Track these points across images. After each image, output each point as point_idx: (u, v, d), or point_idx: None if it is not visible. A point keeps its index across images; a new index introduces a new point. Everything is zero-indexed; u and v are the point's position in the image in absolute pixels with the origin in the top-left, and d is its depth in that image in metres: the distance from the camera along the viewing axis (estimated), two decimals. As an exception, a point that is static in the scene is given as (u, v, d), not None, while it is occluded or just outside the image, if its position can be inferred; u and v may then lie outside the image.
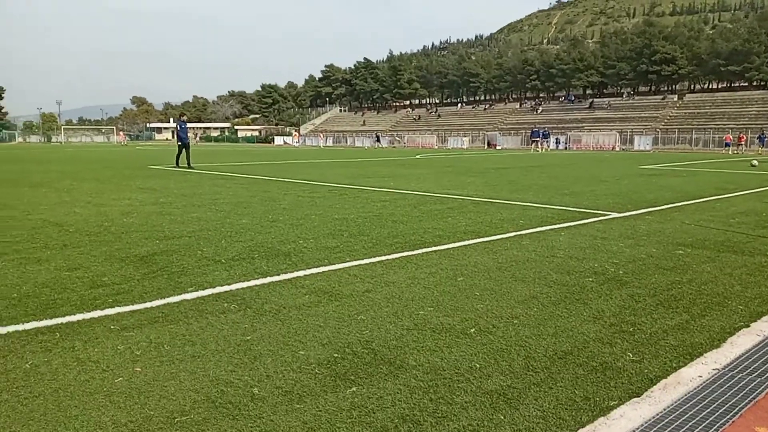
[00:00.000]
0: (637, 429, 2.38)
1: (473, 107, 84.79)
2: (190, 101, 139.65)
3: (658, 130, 56.74)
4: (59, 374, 2.86)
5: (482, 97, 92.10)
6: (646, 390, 2.73)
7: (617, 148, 51.43)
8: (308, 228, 7.10)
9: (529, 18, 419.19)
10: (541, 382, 2.80)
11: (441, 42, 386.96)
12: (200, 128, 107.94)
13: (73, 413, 2.48)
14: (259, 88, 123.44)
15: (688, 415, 2.49)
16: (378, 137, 67.97)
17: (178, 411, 2.50)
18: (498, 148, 58.05)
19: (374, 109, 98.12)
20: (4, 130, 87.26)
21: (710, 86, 74.89)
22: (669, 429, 2.38)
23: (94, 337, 3.35)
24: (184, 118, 21.93)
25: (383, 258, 5.44)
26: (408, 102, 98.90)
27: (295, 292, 4.29)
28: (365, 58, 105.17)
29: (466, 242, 6.23)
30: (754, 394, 2.70)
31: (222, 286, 4.44)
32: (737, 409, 2.55)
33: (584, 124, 63.38)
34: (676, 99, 65.22)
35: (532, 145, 48.67)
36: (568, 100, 75.13)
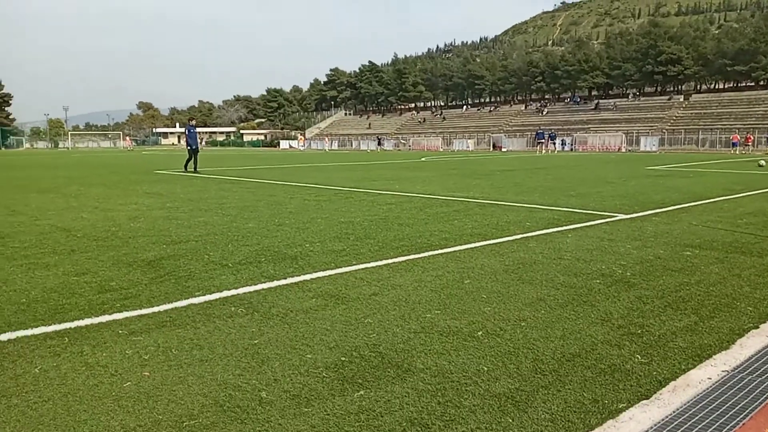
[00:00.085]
0: (647, 432, 2.37)
1: (478, 109, 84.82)
2: (196, 106, 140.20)
3: (664, 130, 56.54)
4: (68, 379, 2.87)
5: (487, 99, 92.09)
6: (655, 392, 2.72)
7: (623, 149, 51.28)
8: (314, 231, 7.10)
9: (534, 20, 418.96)
10: (550, 385, 2.79)
11: (446, 44, 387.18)
12: (206, 132, 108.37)
13: (82, 417, 2.48)
14: (265, 93, 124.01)
15: (697, 418, 2.48)
16: (379, 140, 68.03)
17: (187, 415, 2.51)
18: (503, 150, 57.99)
19: (379, 112, 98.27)
20: (11, 137, 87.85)
21: (716, 86, 74.64)
22: None
23: (102, 342, 3.36)
24: (193, 122, 21.81)
25: (390, 261, 5.44)
26: (413, 105, 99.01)
27: (302, 296, 4.29)
28: (370, 62, 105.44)
29: (473, 245, 6.22)
30: (765, 396, 2.68)
31: (229, 290, 4.45)
32: (747, 411, 2.53)
33: (590, 126, 63.27)
34: (682, 99, 65.03)
35: (538, 147, 48.60)
36: (573, 102, 75.04)
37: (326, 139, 77.80)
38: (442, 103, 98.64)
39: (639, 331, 3.53)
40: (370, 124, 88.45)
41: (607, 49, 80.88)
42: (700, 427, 2.40)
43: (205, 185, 14.40)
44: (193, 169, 19.94)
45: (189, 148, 20.46)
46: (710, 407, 2.57)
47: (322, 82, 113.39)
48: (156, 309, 3.97)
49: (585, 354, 3.18)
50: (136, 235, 6.92)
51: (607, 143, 53.88)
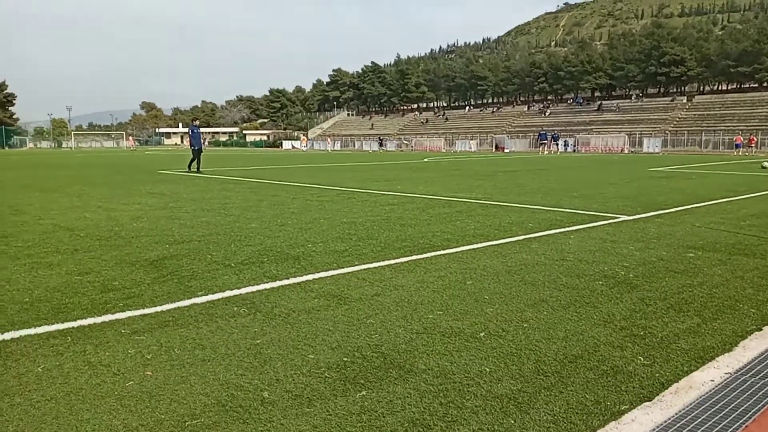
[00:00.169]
0: (649, 433, 2.36)
1: (481, 110, 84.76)
2: (199, 106, 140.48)
3: (667, 132, 56.46)
4: (71, 378, 2.88)
5: (490, 100, 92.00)
6: (658, 394, 2.71)
7: (626, 151, 51.21)
8: (317, 232, 7.11)
9: (537, 20, 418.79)
10: (552, 387, 2.79)
11: (448, 45, 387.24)
12: (209, 133, 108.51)
13: (84, 417, 2.49)
14: (268, 93, 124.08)
15: (700, 420, 2.47)
16: (381, 141, 68.02)
17: (189, 415, 2.51)
18: (506, 151, 57.96)
19: (382, 112, 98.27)
20: (15, 136, 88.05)
21: (720, 88, 74.50)
22: (681, 433, 2.37)
23: (105, 341, 3.37)
24: (197, 122, 21.87)
25: (392, 261, 5.44)
26: (416, 105, 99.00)
27: (304, 296, 4.30)
28: (373, 62, 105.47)
29: (475, 245, 6.21)
30: (768, 398, 2.67)
31: (232, 290, 4.45)
32: (750, 413, 2.53)
33: (592, 127, 63.19)
34: (685, 101, 64.91)
35: (540, 148, 48.55)
36: (576, 103, 74.96)
37: (329, 139, 77.84)
38: (445, 104, 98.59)
39: (641, 333, 3.53)
40: (372, 125, 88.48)
41: (610, 50, 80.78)
42: (702, 429, 2.40)
43: (207, 185, 14.41)
44: (196, 170, 19.98)
45: (193, 148, 20.50)
46: (713, 409, 2.56)
47: (325, 83, 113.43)
48: (159, 309, 3.98)
49: (587, 355, 3.17)
50: (139, 234, 6.93)
51: (610, 144, 53.82)
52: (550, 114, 72.88)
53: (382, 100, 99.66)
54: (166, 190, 13.14)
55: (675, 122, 59.63)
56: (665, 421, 2.46)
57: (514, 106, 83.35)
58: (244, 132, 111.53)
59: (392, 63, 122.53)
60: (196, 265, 5.30)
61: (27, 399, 2.65)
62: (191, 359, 3.11)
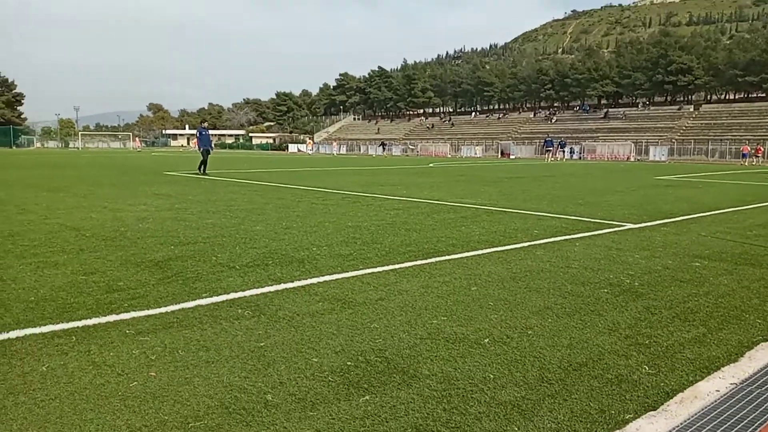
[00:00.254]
0: (654, 443, 2.35)
1: (487, 116, 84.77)
2: (206, 108, 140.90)
3: (673, 140, 56.31)
4: (75, 377, 2.88)
5: (496, 106, 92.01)
6: (663, 404, 2.70)
7: (632, 159, 51.09)
8: (322, 235, 7.11)
9: (544, 27, 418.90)
10: (556, 394, 2.78)
11: (455, 51, 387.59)
12: (215, 135, 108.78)
13: (88, 416, 2.49)
14: (274, 96, 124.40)
15: (705, 430, 2.46)
16: (384, 145, 68.07)
17: (192, 416, 2.51)
18: (511, 157, 57.90)
19: (388, 117, 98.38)
20: (23, 136, 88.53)
21: (727, 97, 74.23)
22: (686, 444, 2.35)
23: (109, 341, 3.38)
24: (205, 124, 21.92)
25: (396, 266, 5.44)
26: (422, 110, 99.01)
27: (308, 299, 4.30)
28: (379, 67, 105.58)
29: (480, 251, 6.21)
30: (773, 409, 2.65)
31: (236, 292, 4.46)
32: (756, 425, 2.51)
33: (599, 134, 63.08)
34: (692, 109, 64.74)
35: (546, 155, 48.50)
36: (582, 110, 74.87)
37: (334, 143, 77.96)
38: (451, 110, 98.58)
39: (647, 342, 3.51)
40: (378, 129, 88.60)
41: (618, 58, 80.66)
42: (707, 439, 2.39)
43: (213, 187, 14.45)
44: (202, 171, 20.02)
45: (201, 149, 20.52)
46: (718, 420, 2.55)
47: (332, 87, 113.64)
48: (163, 310, 3.99)
49: (592, 363, 3.16)
50: (144, 235, 6.95)
51: (616, 152, 53.69)
52: (556, 121, 72.83)
53: (388, 105, 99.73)
54: (171, 191, 13.18)
55: (681, 131, 59.48)
56: (670, 431, 2.44)
57: (520, 112, 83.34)
58: (251, 135, 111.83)
59: (399, 68, 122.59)
60: (201, 266, 5.31)
61: (31, 398, 2.66)
62: (195, 361, 3.12)
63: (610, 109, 72.17)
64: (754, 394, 2.81)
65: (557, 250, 6.35)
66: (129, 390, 2.76)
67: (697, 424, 2.50)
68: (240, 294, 4.41)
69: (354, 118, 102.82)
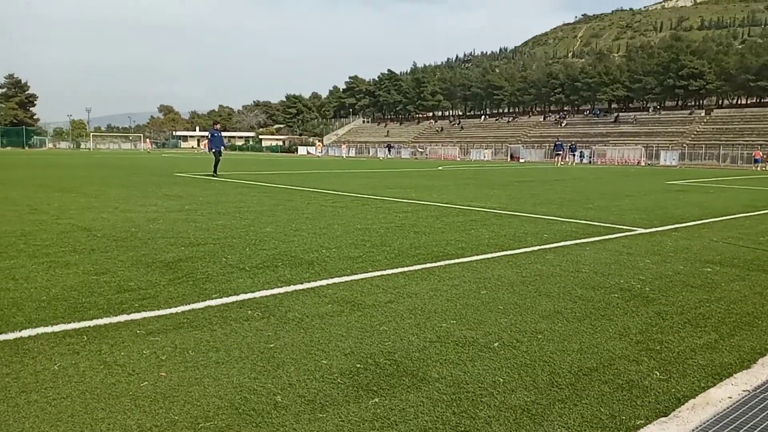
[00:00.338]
0: (665, 449, 2.33)
1: (496, 120, 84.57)
2: (216, 110, 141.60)
3: (684, 145, 55.94)
4: (86, 377, 2.90)
5: (506, 110, 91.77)
6: (674, 410, 2.68)
7: (642, 163, 50.81)
8: (331, 237, 7.12)
9: (554, 31, 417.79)
10: (566, 399, 2.77)
11: (465, 54, 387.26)
12: (225, 137, 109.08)
13: (99, 416, 2.51)
14: (284, 99, 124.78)
15: (717, 437, 2.43)
16: (389, 148, 68.08)
17: (202, 417, 2.52)
18: (521, 161, 57.75)
19: (397, 120, 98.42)
20: (35, 136, 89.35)
21: (739, 102, 73.70)
22: (698, 450, 2.33)
23: (120, 341, 3.40)
24: (218, 126, 22.01)
25: (406, 269, 5.43)
26: (431, 114, 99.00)
27: (318, 301, 4.30)
28: (389, 70, 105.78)
29: (490, 255, 6.19)
30: (787, 417, 2.63)
31: (246, 293, 4.47)
32: (769, 432, 2.49)
33: (609, 138, 62.77)
34: (703, 114, 64.30)
35: (556, 159, 48.33)
36: (593, 114, 74.56)
37: (343, 146, 78.07)
38: (460, 113, 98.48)
39: (658, 347, 3.49)
40: (387, 132, 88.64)
41: (628, 62, 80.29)
42: (719, 446, 2.36)
43: (223, 189, 14.51)
44: (213, 172, 20.11)
45: (214, 150, 20.56)
46: (730, 427, 2.53)
47: (341, 90, 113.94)
48: (173, 310, 4.01)
49: (602, 368, 3.14)
50: (155, 236, 6.99)
51: (627, 156, 53.42)
52: (566, 125, 72.55)
53: (397, 108, 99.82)
54: (182, 192, 13.25)
55: (693, 136, 59.08)
56: (681, 438, 2.42)
57: (530, 116, 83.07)
58: (260, 137, 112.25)
59: (408, 71, 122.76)
60: (211, 267, 5.34)
61: (43, 396, 2.68)
62: (205, 361, 3.13)
63: (620, 114, 71.79)
64: None
65: (567, 255, 6.32)
66: (139, 390, 2.77)
67: (710, 431, 2.48)
68: (250, 295, 4.42)
69: (363, 121, 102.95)
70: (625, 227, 8.52)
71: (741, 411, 2.68)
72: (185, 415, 2.54)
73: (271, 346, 3.37)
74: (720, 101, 74.67)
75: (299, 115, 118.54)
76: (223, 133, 22.67)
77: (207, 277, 4.95)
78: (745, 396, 2.84)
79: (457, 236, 7.39)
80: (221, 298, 4.33)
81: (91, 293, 4.39)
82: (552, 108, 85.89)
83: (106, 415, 2.52)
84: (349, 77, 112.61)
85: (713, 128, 59.83)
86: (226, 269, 5.28)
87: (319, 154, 70.86)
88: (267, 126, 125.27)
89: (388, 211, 10.17)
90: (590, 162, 53.79)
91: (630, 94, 76.56)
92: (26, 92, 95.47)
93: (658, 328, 3.85)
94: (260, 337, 3.50)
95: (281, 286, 4.70)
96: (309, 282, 4.86)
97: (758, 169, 41.98)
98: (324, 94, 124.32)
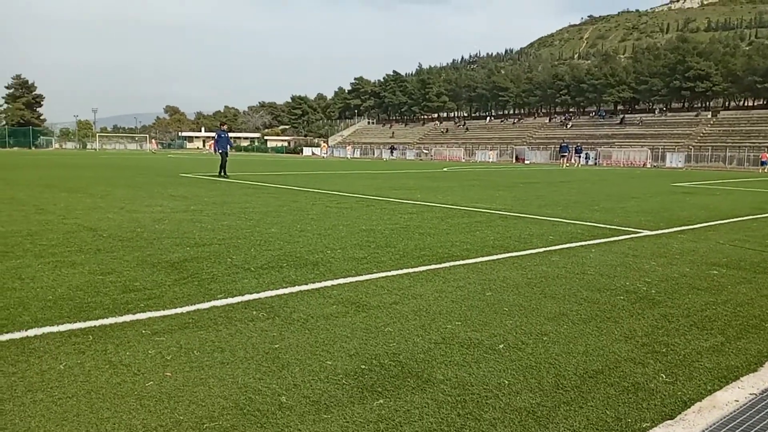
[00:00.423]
0: (671, 453, 2.32)
1: (502, 121, 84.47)
2: (222, 111, 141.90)
3: (690, 147, 55.74)
4: (92, 376, 2.91)
5: (511, 111, 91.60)
6: (680, 413, 2.67)
7: (648, 165, 50.65)
8: (336, 238, 7.13)
9: (560, 32, 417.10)
10: (572, 401, 2.76)
11: (470, 56, 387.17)
12: (231, 138, 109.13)
13: (104, 415, 2.51)
14: (289, 100, 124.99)
15: (724, 441, 2.42)
16: (392, 149, 68.08)
17: (207, 417, 2.53)
18: (526, 162, 57.66)
19: (402, 121, 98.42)
20: (42, 137, 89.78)
21: (746, 104, 73.34)
22: (704, 454, 2.32)
23: (125, 341, 3.41)
24: (225, 127, 22.08)
25: (410, 270, 5.43)
26: (436, 115, 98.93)
27: (322, 302, 4.31)
28: (394, 71, 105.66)
29: (495, 257, 6.18)
30: (794, 421, 2.61)
31: (251, 293, 4.48)
32: (776, 436, 2.47)
33: (615, 140, 62.60)
34: (709, 116, 64.03)
35: (561, 160, 48.23)
36: (598, 116, 74.34)
37: (348, 147, 78.11)
38: (466, 114, 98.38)
39: (664, 350, 3.47)
40: (393, 133, 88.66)
41: (634, 64, 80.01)
42: (726, 450, 2.35)
43: (229, 189, 14.54)
44: (218, 173, 20.16)
45: (221, 151, 20.61)
46: (737, 430, 2.51)
47: (347, 91, 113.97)
48: (179, 310, 4.01)
49: (608, 371, 3.13)
50: (160, 236, 7.00)
51: (632, 158, 53.28)
52: (571, 126, 72.38)
53: (402, 109, 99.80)
54: (187, 193, 13.28)
55: (699, 137, 58.85)
56: (688, 441, 2.41)
57: (535, 117, 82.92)
58: (266, 138, 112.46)
59: (414, 72, 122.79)
60: (216, 268, 5.34)
61: (49, 395, 2.69)
62: (210, 361, 3.13)
63: (626, 115, 71.56)
64: (774, 404, 2.77)
65: (573, 256, 6.30)
66: (145, 389, 2.78)
67: (716, 435, 2.47)
68: (255, 296, 4.42)
69: (368, 122, 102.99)
70: (630, 229, 8.49)
71: (748, 414, 2.66)
72: (190, 415, 2.54)
73: (276, 346, 3.37)
74: (726, 103, 74.32)
75: (304, 116, 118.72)
76: (230, 134, 22.70)
77: (212, 278, 4.96)
78: (752, 399, 2.83)
79: (462, 238, 7.38)
80: (226, 298, 4.34)
81: (96, 293, 4.40)
82: (557, 109, 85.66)
83: (111, 414, 2.52)
84: (355, 78, 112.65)
85: (720, 130, 59.59)
86: (232, 270, 5.28)
87: (324, 155, 70.96)
88: (272, 127, 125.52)
89: (393, 212, 10.17)
90: (596, 164, 53.65)
91: (636, 95, 76.28)
92: (33, 93, 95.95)
93: (664, 331, 3.84)
94: (265, 338, 3.51)
95: (286, 287, 4.70)
96: (314, 283, 4.86)
97: (765, 171, 41.77)
98: (329, 95, 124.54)
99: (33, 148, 77.81)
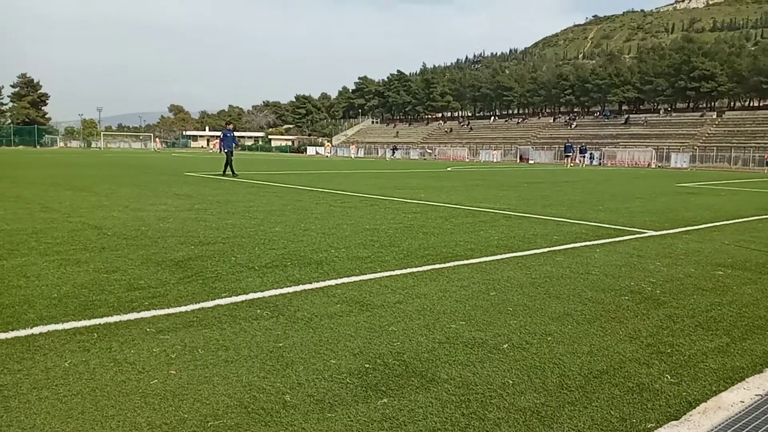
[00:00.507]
0: (676, 453, 2.31)
1: (506, 121, 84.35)
2: (226, 110, 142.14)
3: (695, 147, 55.56)
4: (96, 374, 2.92)
5: (515, 111, 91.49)
6: (685, 413, 2.66)
7: (653, 165, 50.52)
8: (340, 237, 7.13)
9: (565, 32, 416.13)
10: (576, 401, 2.75)
11: (475, 55, 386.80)
12: (236, 136, 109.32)
13: (109, 413, 2.52)
14: (294, 99, 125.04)
15: (729, 442, 2.41)
16: (394, 149, 68.09)
17: (212, 415, 2.53)
18: (530, 162, 57.57)
19: (406, 121, 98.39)
20: (47, 135, 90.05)
21: (751, 104, 73.05)
22: (709, 455, 2.31)
23: (130, 339, 3.41)
24: (231, 126, 22.12)
25: (414, 270, 5.43)
26: (440, 114, 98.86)
27: (326, 301, 4.31)
28: (398, 71, 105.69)
29: (499, 256, 6.17)
30: (800, 422, 2.60)
31: (255, 292, 4.48)
32: (782, 437, 2.46)
33: (619, 140, 62.46)
34: (715, 116, 63.84)
35: (566, 160, 48.15)
36: (603, 116, 74.17)
37: (352, 146, 78.14)
38: (470, 114, 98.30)
39: (669, 350, 3.46)
40: (397, 133, 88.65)
41: (639, 64, 79.75)
42: (731, 451, 2.34)
43: (233, 188, 14.56)
44: (222, 172, 20.18)
45: (226, 150, 20.63)
46: (743, 431, 2.50)
47: (351, 90, 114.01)
48: (183, 309, 4.02)
49: (612, 371, 3.12)
50: (165, 235, 7.02)
51: (637, 158, 53.14)
52: (576, 126, 72.24)
53: (406, 109, 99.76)
54: (192, 191, 13.31)
55: (704, 138, 58.67)
56: (693, 442, 2.40)
57: (539, 117, 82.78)
58: (270, 137, 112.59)
59: (418, 72, 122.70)
60: (220, 266, 5.35)
61: (54, 393, 2.69)
62: (214, 360, 3.14)
63: (631, 115, 71.40)
64: (780, 406, 2.76)
65: (577, 256, 6.29)
66: (149, 387, 2.78)
67: (721, 436, 2.46)
68: (259, 294, 4.43)
69: (372, 122, 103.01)
70: (635, 229, 8.47)
71: (754, 415, 2.65)
72: (194, 413, 2.54)
73: (280, 345, 3.38)
74: (732, 103, 74.08)
75: (308, 116, 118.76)
76: (234, 133, 22.76)
77: (216, 276, 4.97)
78: (758, 400, 2.82)
79: (466, 237, 7.37)
80: (231, 297, 4.35)
81: (101, 291, 4.41)
82: (562, 109, 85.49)
83: (116, 412, 2.53)
84: (359, 78, 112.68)
85: (725, 130, 59.39)
86: (236, 268, 5.29)
87: (328, 155, 70.97)
88: (276, 126, 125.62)
89: (397, 211, 10.16)
90: (600, 164, 53.53)
91: (641, 95, 76.08)
92: (38, 92, 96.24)
93: (669, 331, 3.82)
94: (269, 337, 3.51)
95: (290, 286, 4.70)
96: (318, 282, 4.87)
97: (770, 171, 41.60)
98: (333, 94, 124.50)
99: (38, 147, 78.07)
